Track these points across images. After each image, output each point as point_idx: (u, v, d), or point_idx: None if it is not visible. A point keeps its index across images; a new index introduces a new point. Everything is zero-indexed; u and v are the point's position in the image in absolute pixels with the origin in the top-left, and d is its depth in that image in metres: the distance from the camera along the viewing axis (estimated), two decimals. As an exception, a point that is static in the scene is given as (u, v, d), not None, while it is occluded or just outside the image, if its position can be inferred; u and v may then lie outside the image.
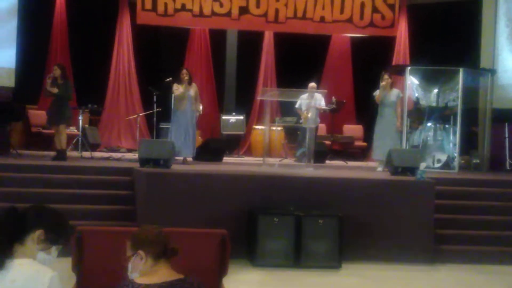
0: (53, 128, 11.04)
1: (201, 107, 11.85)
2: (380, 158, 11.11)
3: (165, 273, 3.29)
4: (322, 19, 15.04)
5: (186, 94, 11.07)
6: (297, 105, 12.42)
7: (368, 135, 15.01)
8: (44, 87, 11.23)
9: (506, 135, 12.54)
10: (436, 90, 12.91)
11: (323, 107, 12.34)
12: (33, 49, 14.44)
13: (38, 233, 3.06)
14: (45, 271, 2.96)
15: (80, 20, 14.56)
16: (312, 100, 11.95)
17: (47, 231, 3.09)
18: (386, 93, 11.15)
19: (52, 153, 10.94)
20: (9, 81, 13.38)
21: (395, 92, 11.30)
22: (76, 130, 12.96)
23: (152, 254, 3.28)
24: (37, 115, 14.12)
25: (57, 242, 3.14)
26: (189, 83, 11.17)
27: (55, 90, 10.66)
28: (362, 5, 15.07)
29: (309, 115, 11.83)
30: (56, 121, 10.80)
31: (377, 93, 11.28)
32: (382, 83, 11.17)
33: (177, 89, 11.07)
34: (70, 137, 12.63)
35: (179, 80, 11.15)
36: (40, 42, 14.66)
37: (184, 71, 11.25)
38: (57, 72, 10.84)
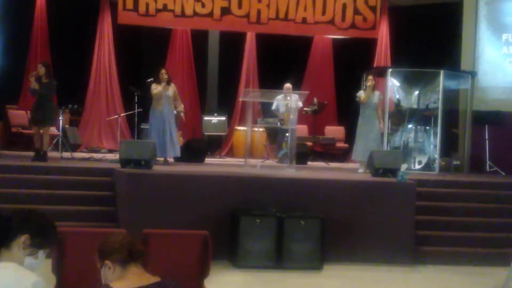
0: (35, 128, 10.85)
1: (182, 107, 11.82)
2: (361, 159, 11.16)
3: (139, 277, 3.26)
4: (304, 21, 15.07)
5: (163, 94, 11.00)
6: (273, 107, 12.41)
7: (349, 137, 15.04)
8: (29, 86, 10.97)
9: (486, 137, 12.62)
10: (417, 92, 12.98)
11: (299, 107, 12.32)
12: (13, 48, 14.30)
13: (23, 239, 3.02)
14: (29, 276, 2.91)
15: (61, 19, 14.43)
16: (289, 101, 11.94)
17: (33, 235, 3.04)
18: (369, 94, 11.21)
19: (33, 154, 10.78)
20: (-12, 81, 13.24)
21: (376, 94, 11.40)
22: (56, 131, 12.85)
23: (118, 261, 3.26)
24: (17, 115, 13.99)
25: (44, 246, 3.10)
26: (168, 83, 11.12)
27: (37, 87, 10.47)
28: (344, 7, 15.12)
29: (290, 116, 11.81)
30: (42, 122, 10.62)
31: (360, 94, 11.33)
32: (368, 84, 11.22)
33: (155, 88, 11.01)
34: (51, 138, 12.51)
35: (158, 80, 11.09)
36: (20, 41, 14.51)
37: (163, 70, 11.17)
38: (41, 70, 10.57)
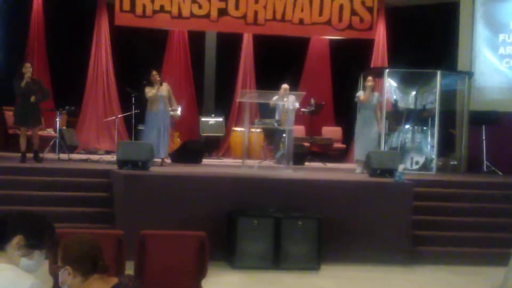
0: (23, 129, 10.74)
1: (177, 105, 11.84)
2: (362, 158, 11.12)
3: (99, 284, 3.16)
4: (301, 21, 15.04)
5: (158, 95, 11.03)
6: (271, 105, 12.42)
7: (347, 137, 15.06)
8: (18, 84, 10.75)
9: (483, 137, 12.64)
10: (414, 93, 13.00)
11: (296, 108, 12.33)
12: (10, 50, 14.26)
13: (17, 239, 3.01)
14: (25, 277, 2.91)
15: (58, 21, 14.42)
16: (286, 102, 11.94)
17: (27, 236, 3.03)
18: (368, 95, 11.23)
19: (30, 155, 10.72)
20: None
21: (375, 95, 11.44)
22: (53, 132, 12.83)
23: (80, 271, 3.14)
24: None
25: (39, 247, 3.09)
26: (161, 84, 11.15)
27: (23, 84, 10.35)
28: (341, 8, 15.08)
29: (287, 117, 11.82)
30: (30, 123, 10.58)
31: (360, 94, 11.35)
32: (368, 84, 11.23)
33: (150, 91, 11.03)
34: (48, 139, 12.50)
35: (150, 83, 11.11)
36: (16, 43, 14.49)
37: (154, 72, 11.19)
38: (30, 69, 10.58)
